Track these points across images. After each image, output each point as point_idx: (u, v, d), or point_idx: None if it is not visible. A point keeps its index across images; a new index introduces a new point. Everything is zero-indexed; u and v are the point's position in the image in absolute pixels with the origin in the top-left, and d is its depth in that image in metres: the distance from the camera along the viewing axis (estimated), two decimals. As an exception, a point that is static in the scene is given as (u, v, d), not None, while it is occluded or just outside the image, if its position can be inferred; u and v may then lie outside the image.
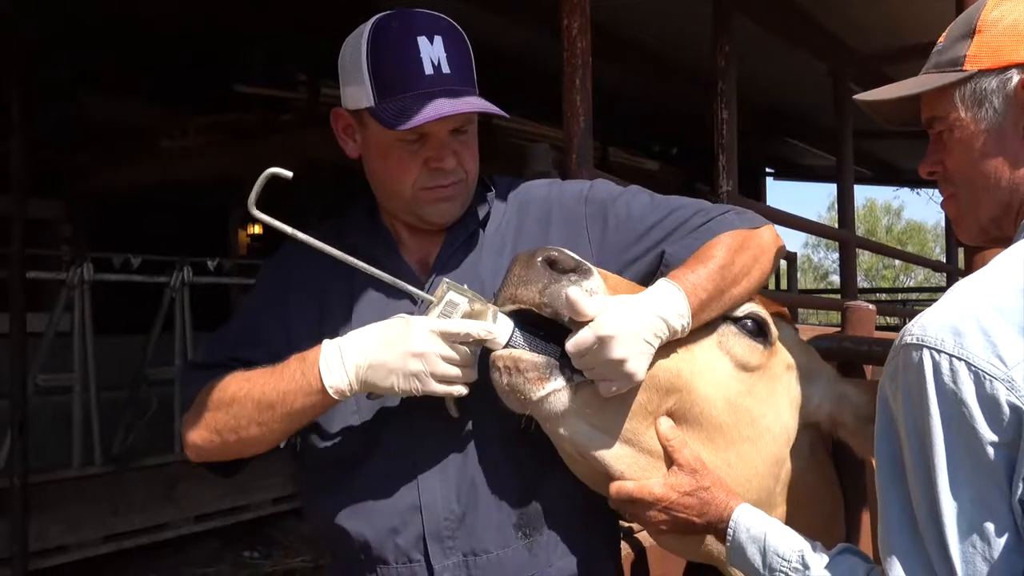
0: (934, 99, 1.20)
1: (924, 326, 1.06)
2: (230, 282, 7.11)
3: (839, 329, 1.86)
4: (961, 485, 1.02)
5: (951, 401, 1.02)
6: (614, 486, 1.37)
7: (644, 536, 2.07)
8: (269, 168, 1.37)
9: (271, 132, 6.95)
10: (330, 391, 1.33)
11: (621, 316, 1.29)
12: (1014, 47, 1.15)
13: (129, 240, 7.22)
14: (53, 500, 5.21)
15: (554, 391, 1.32)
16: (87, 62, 6.69)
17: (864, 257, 24.60)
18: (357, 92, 1.45)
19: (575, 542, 1.51)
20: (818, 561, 1.22)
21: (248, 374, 1.42)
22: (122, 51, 6.62)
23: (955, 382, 1.01)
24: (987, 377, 1.00)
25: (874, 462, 1.17)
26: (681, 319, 1.33)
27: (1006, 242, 1.18)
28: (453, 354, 1.32)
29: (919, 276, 30.37)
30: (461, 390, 1.35)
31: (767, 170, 11.44)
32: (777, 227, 1.67)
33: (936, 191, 1.30)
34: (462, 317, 1.33)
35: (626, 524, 1.86)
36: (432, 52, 1.42)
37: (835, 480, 1.72)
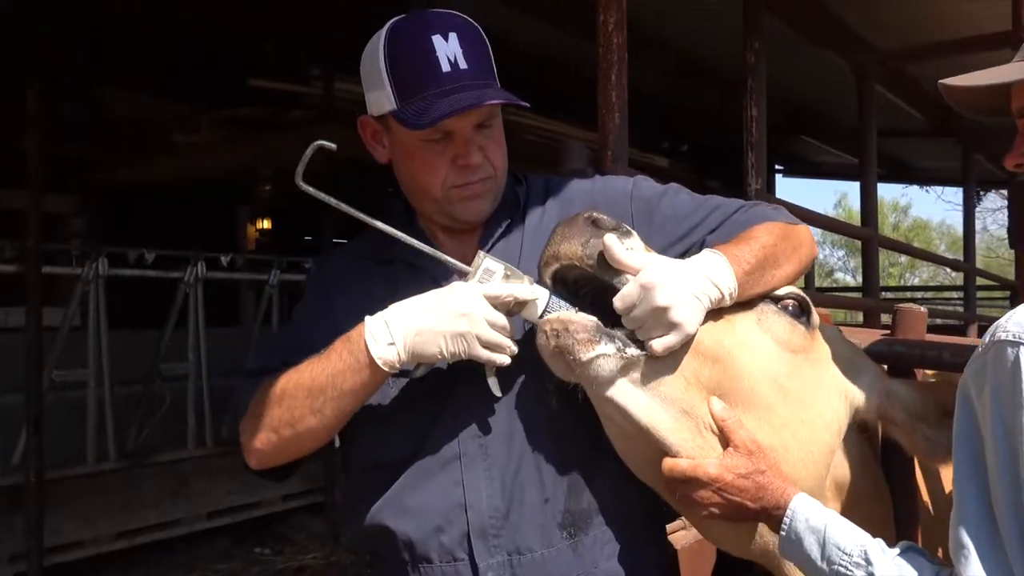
0: None
1: (1021, 323, 1.03)
2: (243, 278, 7.09)
3: (887, 331, 1.83)
4: None
5: None
6: (668, 463, 1.34)
7: (676, 538, 2.04)
8: (315, 142, 1.39)
9: (284, 127, 6.91)
10: (379, 363, 1.33)
11: (666, 268, 1.30)
12: None
13: (138, 235, 7.21)
14: (67, 496, 5.20)
15: (603, 354, 1.30)
16: (101, 57, 6.66)
17: (871, 255, 24.45)
18: (379, 97, 1.46)
19: (621, 544, 1.50)
20: (882, 558, 1.18)
21: (297, 367, 1.42)
22: (135, 46, 6.60)
23: None
24: None
25: (952, 461, 1.14)
26: (728, 284, 1.33)
27: None
28: (497, 317, 1.32)
29: (924, 274, 30.33)
30: (504, 359, 1.35)
31: (776, 167, 11.41)
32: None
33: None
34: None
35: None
36: (448, 49, 1.42)
37: (883, 482, 1.69)
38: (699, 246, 1.48)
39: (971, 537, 1.06)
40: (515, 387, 1.46)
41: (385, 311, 1.36)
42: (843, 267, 35.25)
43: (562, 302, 1.35)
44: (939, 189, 19.78)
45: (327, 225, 6.68)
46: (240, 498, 6.23)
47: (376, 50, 1.46)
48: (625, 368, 1.32)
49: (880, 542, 1.22)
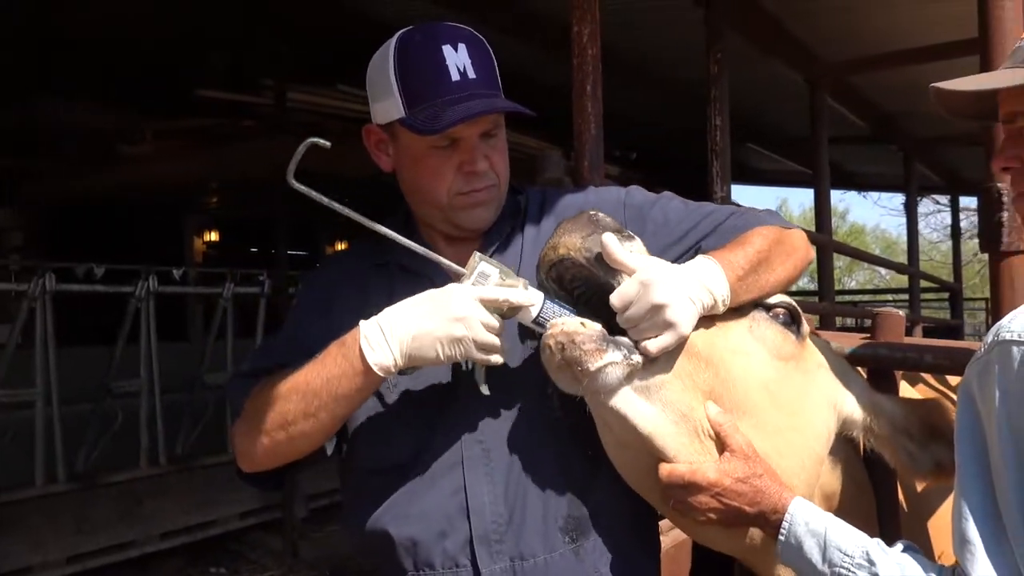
0: (1021, 94, 1.20)
1: None
2: (196, 292, 6.94)
3: (866, 335, 1.88)
4: None
5: None
6: (665, 468, 1.34)
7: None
8: (307, 139, 1.39)
9: (234, 138, 6.81)
10: (375, 368, 1.32)
11: (664, 268, 1.32)
12: None
13: (80, 249, 7.01)
14: (16, 520, 5.02)
15: (612, 363, 1.30)
16: (37, 65, 6.47)
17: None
18: (387, 105, 1.48)
19: (621, 549, 1.51)
20: (884, 558, 1.20)
21: (291, 371, 1.41)
22: (78, 54, 6.42)
23: None
24: None
25: (955, 460, 1.17)
26: (721, 290, 1.34)
27: None
28: (492, 320, 1.33)
29: (860, 278, 31.21)
30: (497, 359, 1.35)
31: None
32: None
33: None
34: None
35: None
36: (457, 59, 1.44)
37: (868, 485, 1.73)
38: (693, 252, 1.50)
39: (976, 535, 1.09)
40: (517, 392, 1.46)
41: (379, 315, 1.35)
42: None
43: (556, 305, 1.36)
44: (875, 195, 20.38)
45: (278, 237, 6.57)
46: (195, 517, 6.07)
47: (385, 59, 1.48)
48: (631, 375, 1.33)
49: (879, 542, 1.24)
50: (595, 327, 1.33)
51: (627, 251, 1.32)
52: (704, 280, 1.33)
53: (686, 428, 1.35)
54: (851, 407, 1.54)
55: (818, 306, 4.40)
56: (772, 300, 1.48)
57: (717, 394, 1.37)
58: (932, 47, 4.45)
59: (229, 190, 8.40)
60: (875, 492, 1.73)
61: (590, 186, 1.76)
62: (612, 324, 1.34)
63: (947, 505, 2.00)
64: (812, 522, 1.28)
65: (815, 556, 1.26)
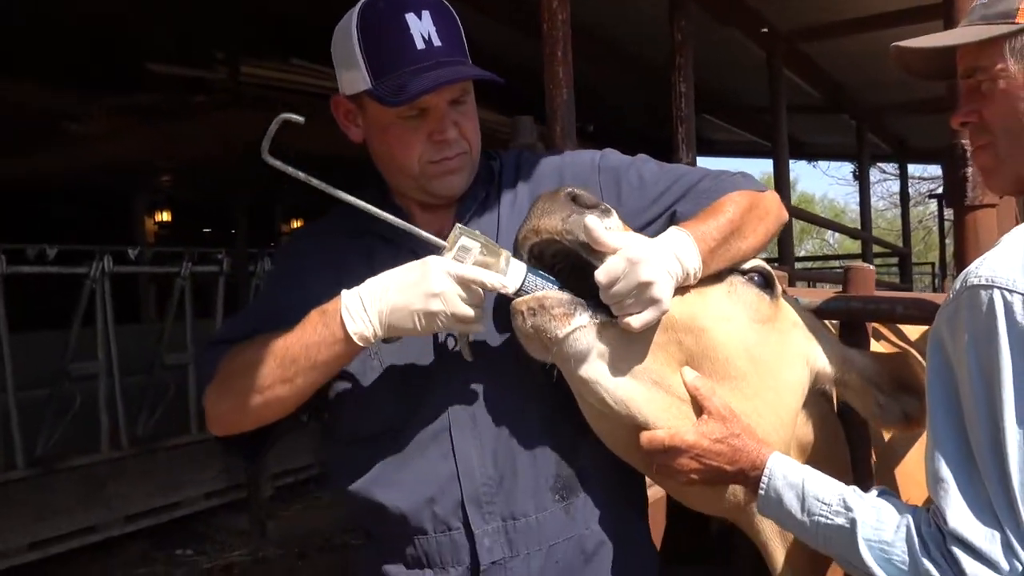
0: (977, 50, 1.24)
1: (993, 268, 1.11)
2: (153, 271, 6.80)
3: (838, 290, 1.93)
4: None
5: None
6: (646, 435, 1.37)
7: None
8: (280, 115, 1.36)
9: (186, 114, 6.64)
10: (354, 338, 1.32)
11: (647, 245, 1.33)
12: None
13: (27, 230, 6.81)
14: (-26, 508, 4.91)
15: (579, 327, 1.33)
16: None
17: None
18: (353, 76, 1.46)
19: (610, 504, 1.53)
20: (860, 503, 1.25)
21: (269, 336, 1.40)
22: (20, 30, 6.19)
23: None
24: None
25: (927, 404, 1.21)
26: (693, 262, 1.36)
27: None
28: (470, 294, 1.33)
29: (809, 246, 31.80)
30: (479, 328, 1.37)
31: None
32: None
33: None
34: (475, 261, 1.34)
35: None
36: (422, 27, 1.42)
37: (842, 438, 1.79)
38: (668, 217, 1.52)
39: (949, 472, 1.14)
40: (501, 356, 1.47)
41: (360, 286, 1.35)
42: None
43: (539, 278, 1.37)
44: (824, 164, 20.73)
45: (231, 217, 6.46)
46: (159, 499, 6.01)
47: (348, 29, 1.45)
48: (599, 337, 1.35)
49: (856, 489, 1.29)
50: (563, 293, 1.35)
51: (608, 230, 1.33)
52: (678, 253, 1.35)
53: (661, 395, 1.38)
54: (823, 362, 1.58)
55: (779, 270, 4.47)
56: (747, 265, 1.51)
57: (698, 360, 1.40)
58: (891, 13, 4.51)
59: (181, 168, 8.20)
60: (848, 443, 1.78)
61: (560, 150, 1.76)
62: (596, 298, 1.36)
63: (912, 454, 2.08)
64: (790, 475, 1.32)
65: (794, 507, 1.30)
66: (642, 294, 1.30)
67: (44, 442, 5.42)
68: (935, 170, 18.60)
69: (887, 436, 2.03)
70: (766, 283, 1.52)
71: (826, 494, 1.28)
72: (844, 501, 1.26)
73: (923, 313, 1.68)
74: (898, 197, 15.02)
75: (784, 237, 4.92)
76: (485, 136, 1.59)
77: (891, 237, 18.60)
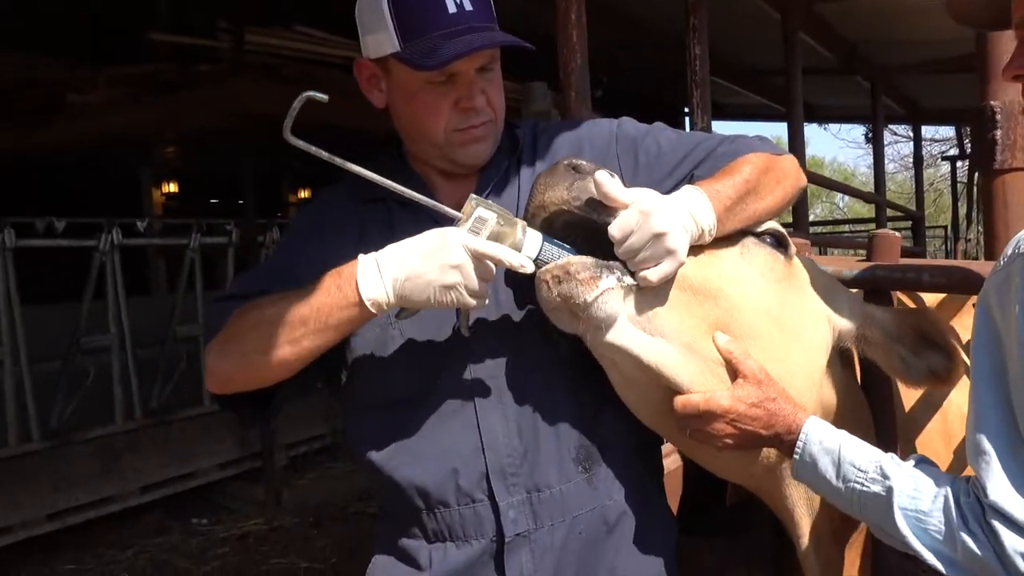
0: None
1: None
2: (162, 243, 6.79)
3: (861, 258, 1.89)
4: None
5: None
6: (680, 399, 1.36)
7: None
8: (304, 92, 1.32)
9: (190, 84, 6.58)
10: (367, 303, 1.30)
11: (658, 197, 1.31)
12: None
13: (35, 203, 6.79)
14: (-8, 480, 4.95)
15: (607, 289, 1.31)
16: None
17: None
18: (380, 39, 1.42)
19: (630, 475, 1.53)
20: (898, 471, 1.22)
21: (280, 295, 1.38)
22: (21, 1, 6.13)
23: None
24: None
25: (971, 371, 1.18)
26: (707, 219, 1.34)
27: None
28: (487, 268, 1.31)
29: (819, 210, 31.60)
30: (483, 304, 1.34)
31: (685, 109, 11.59)
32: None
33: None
34: (491, 233, 1.32)
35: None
36: None
37: (864, 403, 1.77)
38: (687, 181, 1.48)
39: (992, 444, 1.11)
40: (524, 328, 1.46)
41: (378, 252, 1.33)
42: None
43: (556, 247, 1.34)
44: (835, 127, 20.51)
45: (239, 188, 6.43)
46: (174, 470, 6.05)
47: None
48: (627, 301, 1.33)
49: (893, 456, 1.26)
50: (585, 257, 1.33)
51: (619, 185, 1.31)
52: (692, 209, 1.33)
53: (694, 358, 1.36)
54: (845, 319, 1.55)
55: (799, 239, 4.42)
56: (760, 228, 1.48)
57: (723, 324, 1.38)
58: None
59: (187, 139, 8.15)
60: (873, 409, 1.76)
61: (582, 119, 1.73)
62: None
63: (934, 423, 2.05)
64: (826, 440, 1.30)
65: (829, 472, 1.28)
66: (657, 245, 1.28)
67: (59, 415, 5.44)
68: (946, 131, 18.38)
69: (907, 407, 2.01)
70: (779, 243, 1.50)
71: (862, 460, 1.26)
72: (881, 468, 1.24)
73: (950, 281, 1.65)
74: (909, 160, 14.87)
75: (798, 203, 4.85)
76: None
77: (902, 200, 18.45)
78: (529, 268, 1.32)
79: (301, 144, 1.34)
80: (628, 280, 1.33)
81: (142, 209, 9.03)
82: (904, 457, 1.29)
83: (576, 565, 1.46)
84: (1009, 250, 1.12)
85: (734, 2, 5.56)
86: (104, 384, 5.68)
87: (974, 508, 1.12)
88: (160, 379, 6.14)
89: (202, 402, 6.13)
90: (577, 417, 1.47)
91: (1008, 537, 1.08)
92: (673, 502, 2.21)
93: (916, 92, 9.85)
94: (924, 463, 1.26)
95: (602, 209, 1.32)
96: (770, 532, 1.84)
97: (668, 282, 1.34)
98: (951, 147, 17.19)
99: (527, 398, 1.45)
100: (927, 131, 16.88)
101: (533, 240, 1.33)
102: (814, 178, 6.34)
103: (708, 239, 1.37)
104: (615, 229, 1.29)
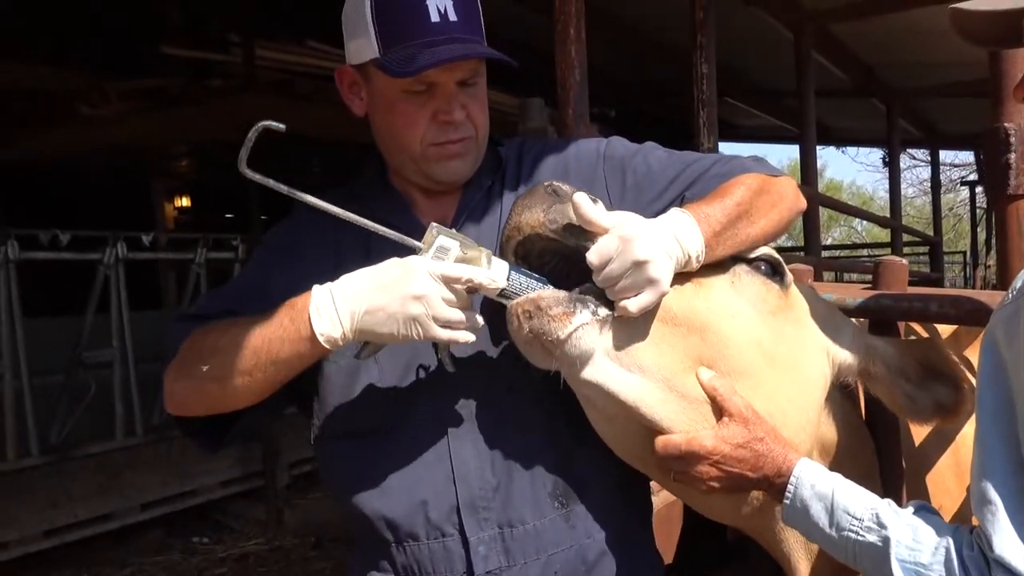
0: None
1: None
2: (166, 257, 6.76)
3: (867, 286, 1.81)
4: None
5: None
6: (661, 440, 1.28)
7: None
8: (260, 123, 1.28)
9: (202, 98, 6.59)
10: (320, 339, 1.23)
11: (641, 222, 1.25)
12: None
13: (45, 215, 6.79)
14: (-11, 495, 4.90)
15: (582, 325, 1.24)
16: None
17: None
18: (362, 45, 1.39)
19: (612, 512, 1.46)
20: (895, 520, 1.15)
21: (236, 321, 1.33)
22: (33, 13, 6.16)
23: None
24: None
25: (975, 415, 1.11)
26: (694, 244, 1.27)
27: None
28: (452, 296, 1.23)
29: (837, 234, 31.39)
30: (468, 336, 1.25)
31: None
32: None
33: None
34: (455, 261, 1.25)
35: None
36: (438, 0, 1.35)
37: (868, 440, 1.68)
38: (678, 203, 1.42)
39: (997, 493, 1.03)
40: (498, 356, 1.40)
41: (334, 283, 1.27)
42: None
43: (523, 276, 1.28)
44: (853, 150, 20.39)
45: (252, 201, 6.40)
46: (175, 487, 5.98)
47: None
48: (603, 335, 1.26)
49: (890, 503, 1.19)
50: (558, 291, 1.26)
51: (600, 209, 1.25)
52: (677, 234, 1.26)
53: (675, 396, 1.29)
54: (845, 352, 1.48)
55: (806, 260, 4.34)
56: (753, 254, 1.41)
57: (709, 358, 1.30)
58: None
59: (198, 153, 8.17)
60: (878, 447, 1.68)
61: (568, 138, 1.67)
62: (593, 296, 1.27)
63: (945, 458, 1.96)
64: (818, 484, 1.23)
65: (822, 519, 1.20)
66: (638, 274, 1.21)
67: (58, 430, 5.40)
68: (966, 156, 18.22)
69: (917, 440, 1.92)
70: (774, 271, 1.41)
71: (857, 507, 1.18)
72: (877, 517, 1.16)
73: (958, 312, 1.57)
74: (927, 184, 14.71)
75: (811, 226, 4.77)
76: (493, 119, 1.50)
77: (920, 225, 18.28)
78: (500, 283, 1.26)
79: (257, 177, 1.29)
80: (604, 312, 1.26)
81: (154, 222, 9.05)
82: (912, 495, 1.21)
83: None
84: (1018, 283, 1.04)
85: (747, 22, 5.51)
86: (105, 399, 5.64)
87: (978, 562, 1.05)
88: (162, 395, 6.08)
89: (205, 419, 6.07)
90: (554, 451, 1.41)
91: None
92: (672, 536, 2.13)
93: (933, 116, 9.75)
94: (924, 511, 1.18)
95: (581, 234, 1.25)
96: (770, 564, 1.76)
97: (650, 313, 1.27)
98: (971, 172, 17.03)
99: (502, 430, 1.39)
100: (947, 156, 16.73)
101: (499, 269, 1.27)
102: (829, 203, 6.27)
103: (695, 266, 1.30)
104: (593, 255, 1.22)
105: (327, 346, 1.25)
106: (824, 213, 14.77)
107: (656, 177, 1.47)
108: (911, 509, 1.18)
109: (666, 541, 1.96)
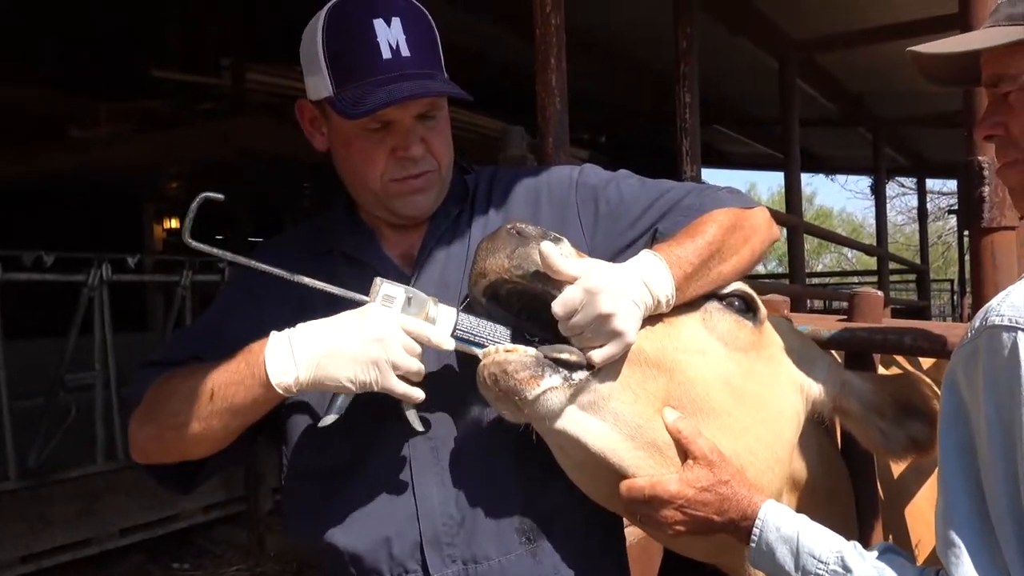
0: (1004, 56, 1.10)
1: (1017, 306, 0.98)
2: (151, 280, 6.73)
3: (843, 317, 1.81)
4: None
5: None
6: (625, 484, 1.27)
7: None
8: (201, 194, 1.32)
9: (192, 120, 6.60)
10: (275, 385, 1.23)
11: (606, 271, 1.23)
12: None
13: (34, 236, 6.76)
14: (-35, 520, 4.82)
15: (551, 388, 1.23)
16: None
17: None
18: (316, 82, 1.38)
19: (581, 549, 1.43)
20: (861, 563, 1.14)
21: (194, 368, 1.32)
22: (27, 35, 6.18)
23: None
24: None
25: (938, 453, 1.10)
26: (664, 289, 1.26)
27: None
28: (412, 343, 1.24)
29: (827, 260, 31.54)
30: (419, 394, 1.26)
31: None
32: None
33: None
34: (401, 310, 1.26)
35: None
36: (390, 35, 1.33)
37: (845, 475, 1.67)
38: (650, 237, 1.42)
39: (961, 537, 1.02)
40: (464, 391, 1.37)
41: (292, 330, 1.27)
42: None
43: (472, 320, 1.28)
44: (843, 178, 20.55)
45: (242, 223, 6.39)
46: (156, 512, 5.90)
47: (314, 31, 1.37)
48: (574, 396, 1.25)
49: (856, 545, 1.18)
50: (527, 351, 1.25)
51: (565, 258, 1.24)
52: (647, 279, 1.25)
53: (642, 441, 1.28)
54: (819, 387, 1.47)
55: (789, 288, 4.35)
56: (726, 290, 1.40)
57: (676, 399, 1.29)
58: (907, 23, 4.38)
59: (188, 175, 8.17)
60: (853, 480, 1.67)
61: (543, 165, 1.67)
62: (556, 332, 1.26)
63: (924, 490, 1.94)
64: (784, 527, 1.21)
65: (788, 563, 1.19)
66: (602, 326, 1.20)
67: (37, 453, 5.33)
68: (954, 184, 18.37)
69: (896, 472, 1.90)
70: (747, 307, 1.40)
71: (823, 550, 1.16)
72: (842, 560, 1.14)
73: (932, 345, 1.56)
74: (916, 212, 14.80)
75: (795, 253, 4.78)
76: (478, 142, 1.50)
77: (909, 252, 18.39)
78: (448, 346, 1.27)
79: (203, 247, 1.31)
80: (577, 377, 1.24)
81: (143, 244, 9.02)
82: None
83: None
84: (976, 322, 1.03)
85: (735, 50, 5.55)
86: (87, 422, 5.57)
87: None
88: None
89: (187, 443, 6.00)
90: (520, 485, 1.39)
91: None
92: (652, 566, 2.10)
93: (920, 144, 9.83)
94: (889, 552, 1.17)
95: (548, 280, 1.24)
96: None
97: (620, 359, 1.26)
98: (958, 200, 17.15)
99: (467, 465, 1.37)
100: (935, 184, 16.87)
101: (446, 316, 1.27)
102: (814, 231, 6.29)
103: (666, 309, 1.29)
104: (558, 307, 1.22)
105: (280, 391, 1.24)
106: (814, 240, 14.84)
107: (629, 206, 1.46)
108: (876, 552, 1.16)
109: (644, 575, 1.94)
